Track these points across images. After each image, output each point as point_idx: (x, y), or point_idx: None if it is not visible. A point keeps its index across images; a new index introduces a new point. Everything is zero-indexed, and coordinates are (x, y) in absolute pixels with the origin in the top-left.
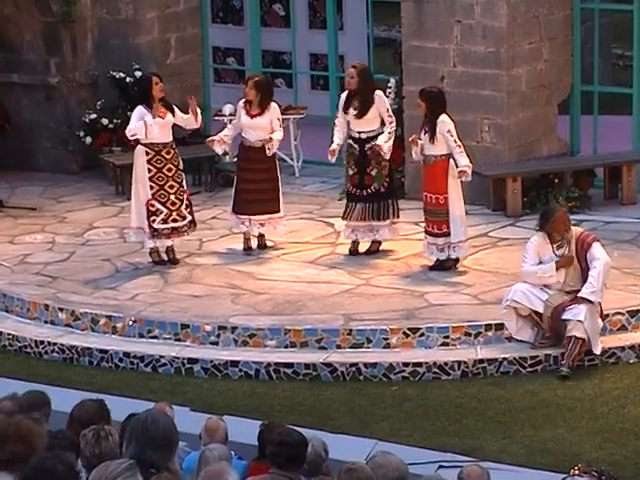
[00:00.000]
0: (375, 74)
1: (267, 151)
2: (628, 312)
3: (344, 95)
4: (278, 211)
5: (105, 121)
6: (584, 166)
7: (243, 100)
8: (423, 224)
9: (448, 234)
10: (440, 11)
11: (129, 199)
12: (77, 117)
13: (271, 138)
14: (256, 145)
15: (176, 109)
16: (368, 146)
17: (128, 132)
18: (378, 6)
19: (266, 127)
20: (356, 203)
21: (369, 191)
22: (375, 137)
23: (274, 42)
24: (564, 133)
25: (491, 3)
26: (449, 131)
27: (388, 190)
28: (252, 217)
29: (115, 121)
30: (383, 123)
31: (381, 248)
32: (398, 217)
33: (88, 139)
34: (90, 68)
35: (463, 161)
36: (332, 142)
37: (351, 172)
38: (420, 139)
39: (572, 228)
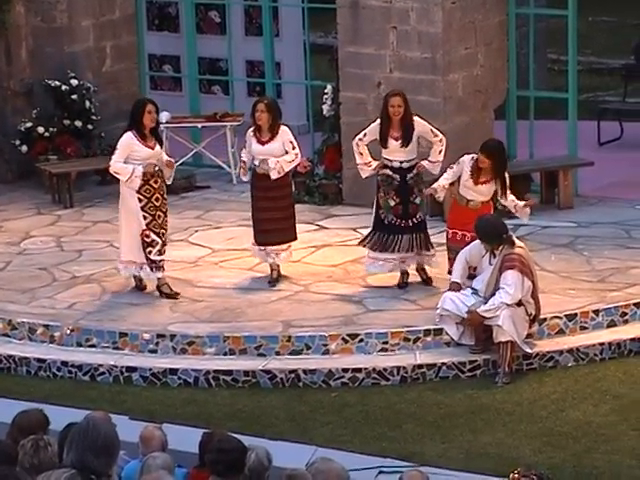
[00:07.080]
0: (312, 81)
1: (271, 175)
2: (566, 316)
3: (375, 127)
4: (296, 238)
5: (41, 129)
6: (521, 171)
7: (253, 128)
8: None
9: None
10: (376, 17)
11: (66, 207)
12: (12, 125)
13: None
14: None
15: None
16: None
17: (112, 168)
18: (314, 12)
19: (279, 153)
20: (402, 235)
21: (414, 220)
22: (415, 165)
23: (210, 49)
24: (500, 138)
25: (426, 9)
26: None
27: (425, 218)
28: (273, 247)
29: (51, 129)
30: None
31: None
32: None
33: (24, 147)
34: (25, 76)
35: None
36: (368, 161)
37: (393, 203)
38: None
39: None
